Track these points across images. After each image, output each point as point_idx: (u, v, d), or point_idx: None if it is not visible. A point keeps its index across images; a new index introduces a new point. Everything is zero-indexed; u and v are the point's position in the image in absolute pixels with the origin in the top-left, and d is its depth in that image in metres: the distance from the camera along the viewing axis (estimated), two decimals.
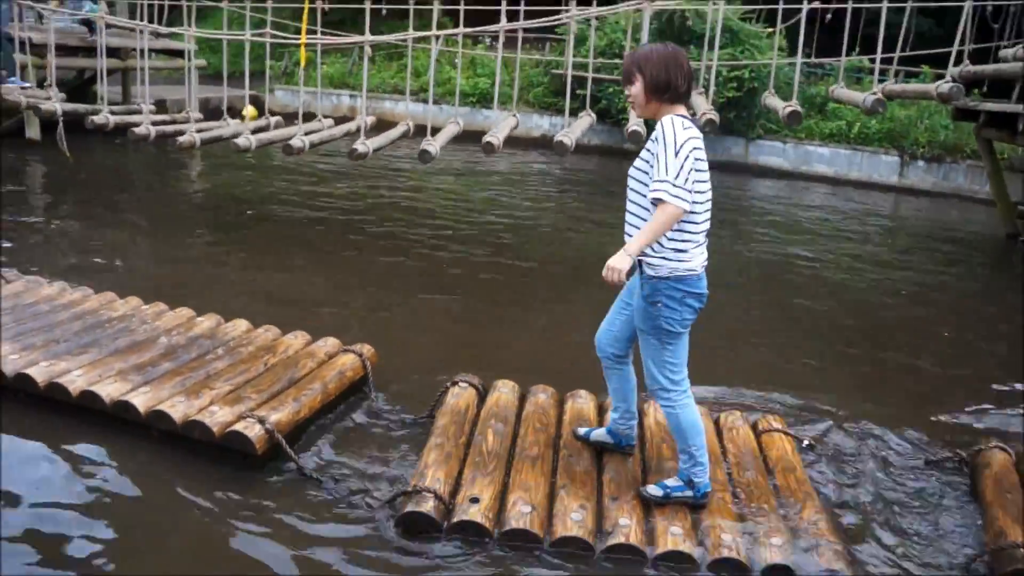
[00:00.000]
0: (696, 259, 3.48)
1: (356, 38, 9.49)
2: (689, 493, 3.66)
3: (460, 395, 4.53)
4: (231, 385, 4.39)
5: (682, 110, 3.48)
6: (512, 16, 8.18)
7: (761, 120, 16.23)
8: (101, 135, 9.68)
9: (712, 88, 8.49)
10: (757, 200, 13.74)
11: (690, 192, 3.30)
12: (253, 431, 3.89)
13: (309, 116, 9.73)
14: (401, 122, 9.38)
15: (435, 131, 8.51)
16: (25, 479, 3.77)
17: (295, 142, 8.40)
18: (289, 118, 10.50)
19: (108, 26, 10.52)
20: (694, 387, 3.72)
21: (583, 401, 4.59)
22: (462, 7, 8.18)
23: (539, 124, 17.32)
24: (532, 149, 16.31)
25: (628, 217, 3.58)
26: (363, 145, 8.30)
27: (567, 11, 8.15)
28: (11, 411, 4.28)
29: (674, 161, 3.27)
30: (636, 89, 3.48)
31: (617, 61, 14.25)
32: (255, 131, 9.22)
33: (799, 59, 8.02)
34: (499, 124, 8.60)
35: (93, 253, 7.68)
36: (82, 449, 4.04)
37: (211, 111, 11.92)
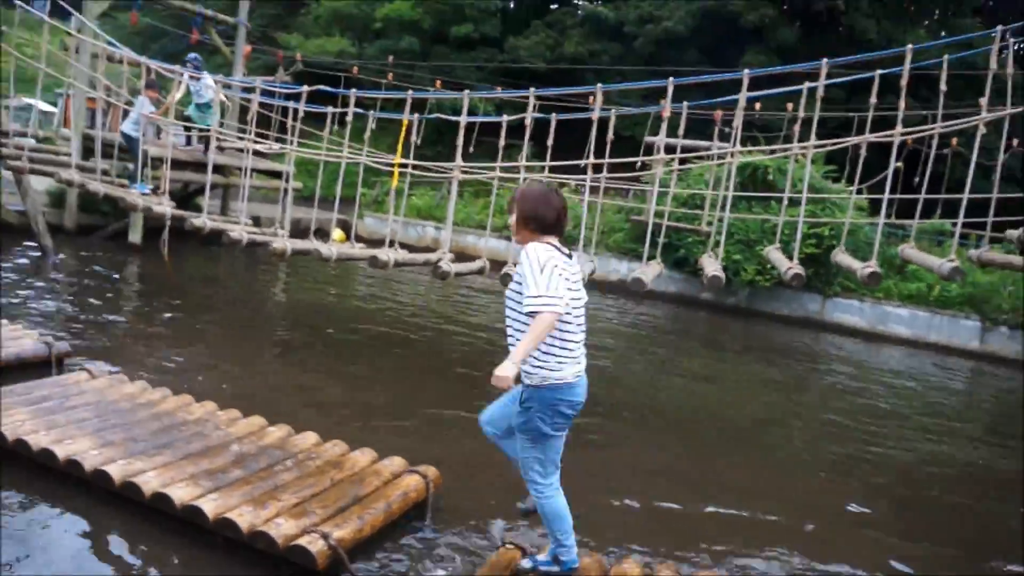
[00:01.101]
0: (568, 369, 3.88)
1: (446, 165, 9.91)
2: (556, 568, 4.19)
3: (504, 555, 4.35)
4: (297, 498, 4.46)
5: (550, 240, 3.95)
6: (599, 166, 8.48)
7: (839, 277, 16.19)
8: (199, 244, 10.16)
9: (796, 244, 8.55)
10: (833, 362, 13.56)
11: (560, 298, 3.67)
12: (316, 546, 3.95)
13: (398, 243, 10.08)
14: (480, 258, 9.65)
15: (516, 264, 8.75)
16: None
17: (381, 255, 8.75)
18: (375, 244, 10.90)
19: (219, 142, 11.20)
20: None
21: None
22: (549, 145, 8.51)
23: (617, 268, 17.54)
24: (608, 293, 16.50)
25: (508, 332, 3.96)
26: (447, 264, 8.62)
27: (656, 158, 8.37)
28: (93, 504, 4.47)
29: (540, 277, 3.69)
30: (512, 219, 4.03)
31: (698, 211, 14.56)
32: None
33: (881, 219, 8.03)
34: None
35: (175, 354, 7.99)
36: (149, 550, 4.18)
37: (301, 231, 12.47)
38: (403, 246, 10.15)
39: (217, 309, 10.84)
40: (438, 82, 18.00)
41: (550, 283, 3.67)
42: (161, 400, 5.89)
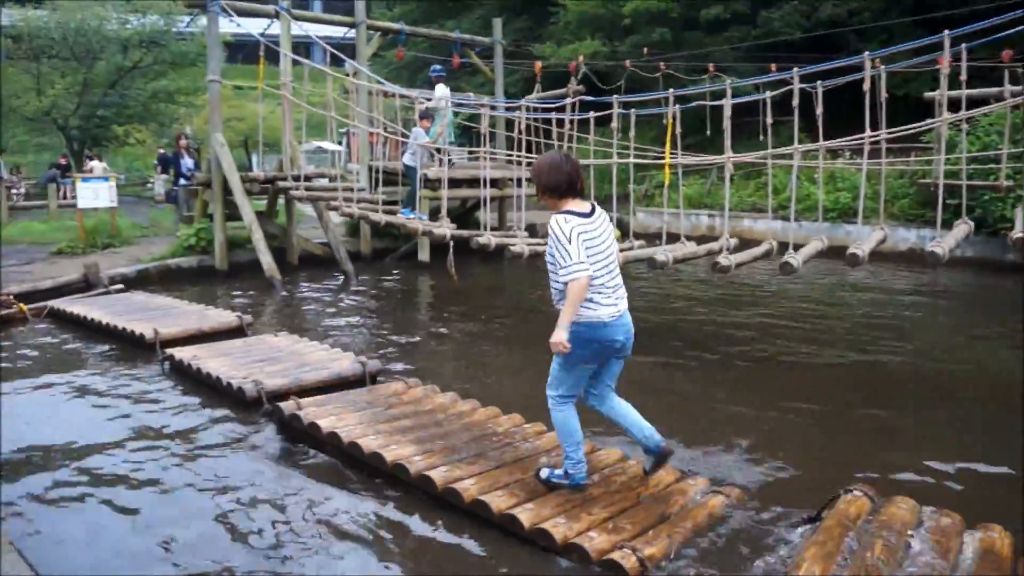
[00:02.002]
0: (603, 310, 4.47)
1: (717, 157, 9.79)
2: (565, 482, 4.73)
3: (852, 502, 4.42)
4: (607, 512, 4.54)
5: (570, 203, 4.51)
6: (875, 126, 8.06)
7: None
8: (481, 258, 10.69)
9: None
10: None
11: (587, 262, 4.32)
12: (629, 561, 4.01)
13: (670, 237, 10.08)
14: (764, 241, 9.43)
15: (796, 248, 8.52)
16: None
17: (659, 256, 8.79)
18: (650, 238, 10.99)
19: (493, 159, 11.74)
20: None
21: (994, 535, 4.18)
22: (820, 121, 8.19)
23: (905, 237, 16.37)
24: (900, 264, 15.49)
25: (552, 293, 4.63)
26: (726, 259, 8.51)
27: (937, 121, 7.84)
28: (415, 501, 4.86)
29: (569, 247, 4.32)
30: (537, 190, 4.63)
31: (992, 166, 13.34)
32: (620, 250, 9.75)
33: None
34: (866, 238, 8.42)
35: (470, 365, 8.46)
36: (466, 548, 4.43)
37: None
38: (678, 237, 10.13)
39: (506, 319, 11.31)
40: (711, 67, 17.68)
41: (578, 251, 4.31)
42: (471, 411, 6.21)
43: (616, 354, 4.66)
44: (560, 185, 4.50)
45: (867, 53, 8.22)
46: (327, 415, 5.90)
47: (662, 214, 11.76)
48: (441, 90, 14.38)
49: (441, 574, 4.25)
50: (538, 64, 16.58)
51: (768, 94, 9.13)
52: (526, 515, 4.42)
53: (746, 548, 4.45)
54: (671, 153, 9.71)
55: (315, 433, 5.70)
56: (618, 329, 4.51)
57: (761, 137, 9.20)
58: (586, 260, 4.31)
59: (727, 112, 8.78)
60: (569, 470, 4.72)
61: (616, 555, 4.06)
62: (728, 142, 8.83)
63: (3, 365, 8.40)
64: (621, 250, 9.76)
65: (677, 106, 9.28)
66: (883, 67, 8.29)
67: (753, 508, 4.86)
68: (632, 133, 9.73)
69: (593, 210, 4.54)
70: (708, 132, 9.69)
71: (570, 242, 4.31)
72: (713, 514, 4.69)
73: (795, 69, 8.49)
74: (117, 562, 4.30)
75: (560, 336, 4.31)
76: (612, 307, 4.48)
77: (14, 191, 25.87)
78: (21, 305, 10.41)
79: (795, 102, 8.38)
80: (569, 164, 4.56)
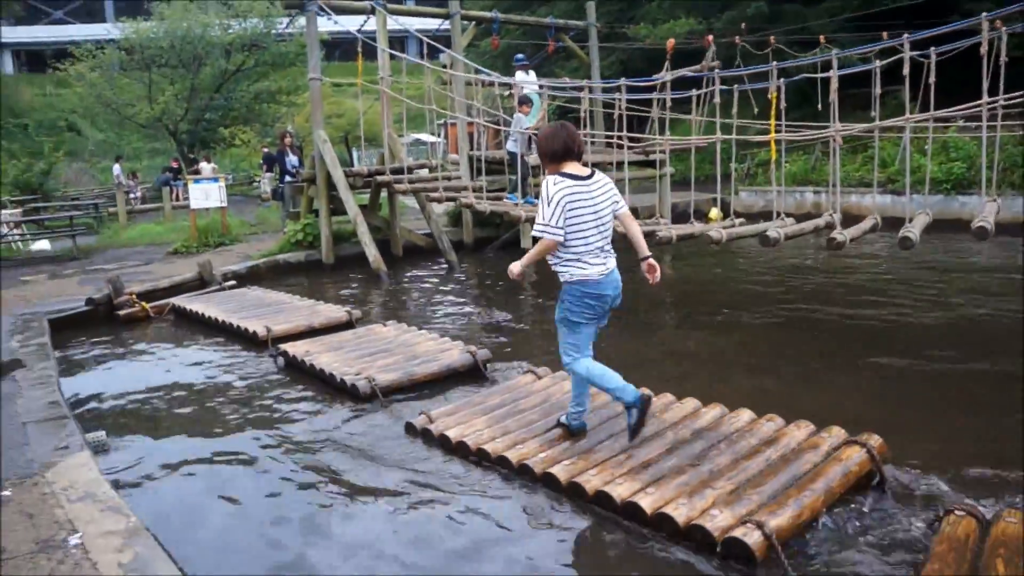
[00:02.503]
0: (592, 269, 4.92)
1: (823, 132, 9.52)
2: (571, 423, 5.36)
3: (957, 524, 4.02)
4: (732, 484, 4.43)
5: (567, 167, 4.90)
6: (993, 91, 7.72)
7: None
8: None
9: None
10: None
11: (561, 228, 4.79)
12: (752, 538, 3.88)
13: (774, 214, 9.86)
14: (869, 216, 9.13)
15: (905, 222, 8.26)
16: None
17: (771, 233, 8.60)
18: (753, 217, 10.77)
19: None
20: None
21: None
22: (932, 91, 7.87)
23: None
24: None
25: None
26: (840, 235, 8.29)
27: None
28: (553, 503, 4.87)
29: (547, 209, 4.81)
30: (540, 160, 5.10)
31: None
32: (725, 228, 9.59)
33: None
34: (985, 209, 8.09)
35: None
36: (596, 545, 4.40)
37: (678, 215, 12.65)
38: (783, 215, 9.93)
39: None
40: (822, 38, 17.04)
41: (553, 215, 4.78)
42: (597, 394, 6.07)
43: (607, 308, 5.09)
44: (557, 150, 4.91)
45: (984, 14, 7.85)
46: (456, 424, 5.86)
47: (765, 193, 11.51)
48: (524, 77, 14.42)
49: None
50: (671, 42, 16.10)
51: (877, 63, 8.82)
52: (648, 500, 4.36)
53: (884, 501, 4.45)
54: (775, 127, 9.48)
55: (446, 443, 5.70)
56: (607, 285, 5.00)
57: (873, 112, 8.89)
58: (561, 228, 4.80)
59: (834, 84, 8.52)
60: (574, 419, 5.39)
61: (739, 532, 3.94)
62: (835, 115, 8.57)
63: (129, 360, 8.82)
64: (725, 228, 9.63)
65: (781, 79, 9.07)
66: (1004, 28, 7.92)
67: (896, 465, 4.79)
68: (735, 111, 9.54)
69: (592, 175, 4.94)
70: (819, 106, 9.37)
71: (549, 205, 4.81)
72: (849, 469, 4.53)
73: (905, 36, 8.18)
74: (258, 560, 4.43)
75: (515, 268, 5.20)
76: (601, 266, 4.96)
77: (131, 195, 26.98)
78: (143, 304, 10.87)
79: (906, 70, 8.08)
80: (565, 131, 4.95)
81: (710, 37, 17.06)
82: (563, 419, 5.43)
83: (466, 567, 4.18)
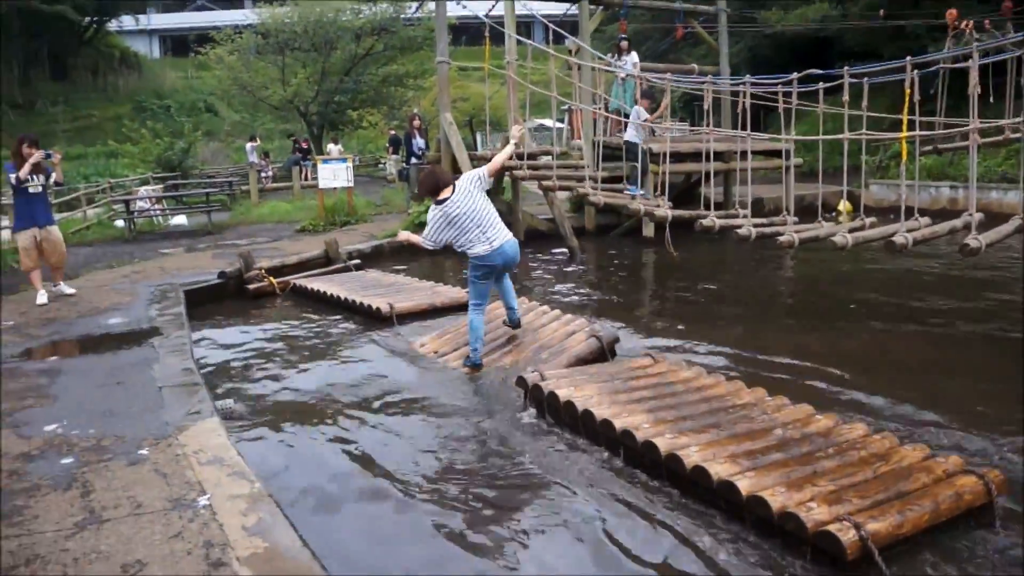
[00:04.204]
0: (478, 248, 6.89)
1: (959, 130, 9.07)
2: (469, 362, 7.21)
3: None
4: (834, 485, 4.30)
5: (440, 196, 6.93)
6: None
7: None
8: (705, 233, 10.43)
9: None
10: None
11: (432, 240, 6.98)
12: (847, 535, 3.76)
13: (906, 210, 9.43)
14: (1014, 216, 8.57)
15: None
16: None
17: (898, 238, 8.18)
18: (884, 212, 10.36)
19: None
20: None
21: None
22: None
23: None
24: None
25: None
26: (975, 240, 7.79)
27: None
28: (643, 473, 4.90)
29: (428, 226, 7.01)
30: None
31: None
32: (852, 231, 9.23)
33: None
34: None
35: (699, 339, 8.28)
36: (685, 521, 4.43)
37: (805, 207, 12.29)
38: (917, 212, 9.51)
39: (732, 294, 11.04)
40: (986, 22, 15.34)
41: (430, 230, 6.98)
42: (713, 385, 6.11)
43: (499, 270, 7.15)
44: (431, 189, 7.09)
45: None
46: (566, 386, 6.00)
47: (898, 186, 11.00)
48: (632, 58, 14.31)
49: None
50: (952, 12, 14.79)
51: (1020, 52, 8.35)
52: (745, 483, 4.30)
53: (1002, 534, 4.21)
54: (908, 121, 9.05)
55: (553, 401, 5.87)
56: (494, 256, 6.93)
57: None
58: (432, 239, 6.98)
59: (973, 79, 8.00)
60: (471, 355, 7.21)
61: (834, 527, 3.81)
62: (974, 111, 8.09)
63: (257, 330, 9.17)
64: (852, 230, 9.25)
65: (915, 71, 8.62)
66: None
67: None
68: (865, 104, 9.16)
69: (453, 192, 6.90)
70: (950, 99, 8.89)
71: (428, 223, 7.01)
72: (961, 496, 4.28)
73: None
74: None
75: (400, 236, 7.95)
76: (486, 245, 6.89)
77: (263, 174, 27.97)
78: (271, 279, 11.27)
79: None
80: (432, 176, 7.21)
81: (953, 12, 15.14)
82: (465, 362, 7.27)
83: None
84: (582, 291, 11.12)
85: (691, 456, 4.66)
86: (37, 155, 9.47)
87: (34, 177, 9.52)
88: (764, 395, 5.84)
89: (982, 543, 4.16)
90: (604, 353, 7.39)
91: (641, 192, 12.10)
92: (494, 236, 6.91)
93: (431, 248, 7.07)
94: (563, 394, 5.79)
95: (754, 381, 6.22)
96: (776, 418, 5.38)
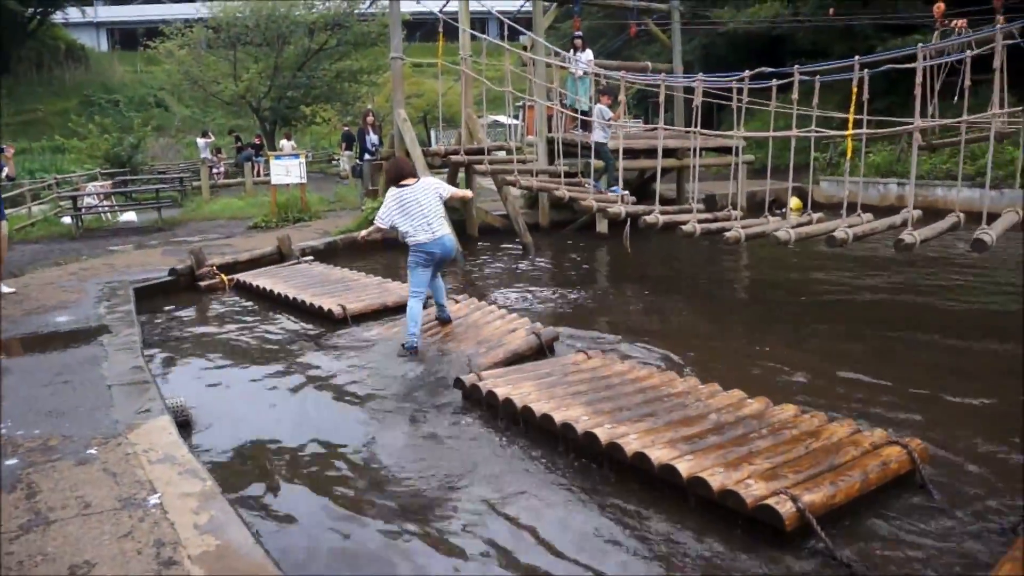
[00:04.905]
0: (420, 235, 7.44)
1: (903, 126, 9.25)
2: (406, 344, 7.51)
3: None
4: (770, 463, 4.51)
5: (402, 183, 7.61)
6: None
7: None
8: (658, 230, 10.52)
9: None
10: None
11: (386, 218, 7.55)
12: (784, 507, 3.97)
13: (855, 206, 9.61)
14: (950, 214, 8.80)
15: (991, 219, 7.97)
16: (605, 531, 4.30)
17: (839, 233, 8.40)
18: (834, 208, 10.51)
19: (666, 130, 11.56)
20: None
21: None
22: None
23: None
24: None
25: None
26: (910, 236, 8.02)
27: None
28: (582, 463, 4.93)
29: (383, 207, 7.64)
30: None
31: None
32: (796, 226, 9.40)
33: None
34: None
35: (646, 334, 8.39)
36: (628, 506, 4.55)
37: (757, 203, 12.46)
38: (864, 208, 9.69)
39: (680, 289, 11.18)
40: (959, 23, 15.20)
41: (386, 210, 7.57)
42: (647, 376, 6.28)
43: (437, 260, 7.60)
44: (392, 178, 7.79)
45: None
46: (504, 384, 6.08)
47: (847, 183, 11.19)
48: (586, 55, 14.41)
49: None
50: (940, 6, 14.90)
51: (969, 54, 8.54)
52: (684, 465, 4.46)
53: (926, 502, 4.43)
54: (855, 120, 9.21)
55: (492, 400, 5.93)
56: (433, 245, 7.47)
57: (955, 100, 8.60)
58: (386, 217, 7.53)
59: (918, 79, 8.19)
60: (409, 339, 7.51)
61: (772, 500, 4.01)
62: (917, 110, 8.27)
63: (208, 329, 9.05)
64: (798, 225, 9.44)
65: (865, 71, 8.77)
66: None
67: (941, 465, 4.78)
68: (815, 102, 9.29)
69: (417, 182, 7.63)
70: (895, 97, 9.07)
71: (385, 204, 7.64)
72: (887, 464, 4.55)
73: (999, 26, 7.90)
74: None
75: (364, 234, 8.73)
76: (427, 234, 7.44)
77: (215, 170, 27.62)
78: (223, 276, 11.15)
79: (996, 63, 7.80)
80: (395, 165, 8.07)
81: (939, 7, 14.94)
82: (404, 344, 7.57)
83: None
84: (533, 287, 11.13)
85: (631, 444, 4.81)
86: None
87: None
88: (697, 383, 6.05)
89: (908, 507, 4.43)
90: (543, 349, 7.55)
91: (617, 190, 12.05)
92: (437, 228, 7.52)
93: (384, 227, 7.63)
94: (501, 392, 5.87)
95: (702, 374, 6.37)
96: (710, 404, 5.58)
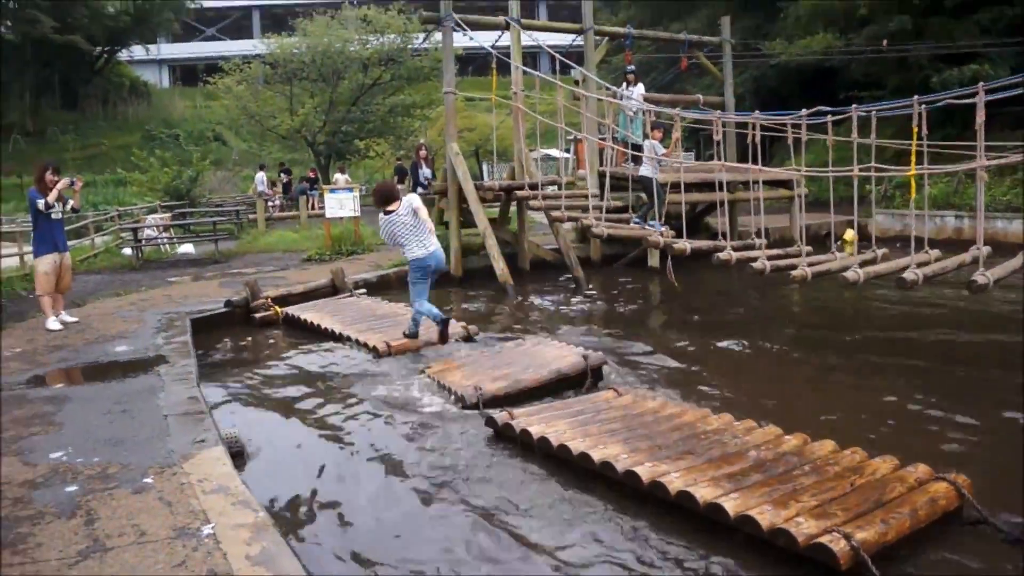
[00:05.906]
0: (416, 251, 8.48)
1: (966, 163, 9.08)
2: (409, 328, 9.01)
3: None
4: (817, 500, 4.45)
5: (390, 207, 8.51)
6: None
7: None
8: (707, 263, 10.43)
9: None
10: None
11: (388, 240, 8.75)
12: (838, 545, 3.90)
13: (914, 240, 9.44)
14: (1022, 251, 8.62)
15: None
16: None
17: (908, 275, 8.26)
18: (890, 242, 10.34)
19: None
20: None
21: None
22: None
23: None
24: None
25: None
26: (983, 277, 7.88)
27: None
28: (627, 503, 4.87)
29: (381, 230, 8.74)
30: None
31: None
32: (863, 264, 9.27)
33: None
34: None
35: (690, 368, 8.36)
36: (673, 545, 4.48)
37: (810, 237, 12.28)
38: (920, 241, 9.51)
39: (729, 323, 11.02)
40: None
41: (383, 231, 8.61)
42: (681, 413, 6.28)
43: (432, 270, 8.63)
44: (378, 204, 8.76)
45: None
46: (538, 422, 6.08)
47: (903, 216, 11.04)
48: (639, 91, 14.41)
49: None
50: None
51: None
52: (731, 504, 4.42)
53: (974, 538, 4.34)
54: (917, 154, 9.06)
55: (526, 439, 5.94)
56: (428, 259, 8.48)
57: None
58: (388, 240, 8.68)
59: (980, 117, 8.00)
60: (410, 327, 8.96)
61: (825, 539, 3.95)
62: (981, 148, 8.10)
63: (263, 360, 9.17)
64: (864, 263, 9.29)
65: (923, 107, 8.64)
66: None
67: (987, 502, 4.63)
68: (873, 138, 9.17)
69: (399, 206, 8.44)
70: (951, 129, 8.92)
71: (382, 228, 8.62)
72: (936, 501, 4.47)
73: None
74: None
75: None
76: (422, 249, 8.46)
77: (270, 203, 28.07)
78: (276, 308, 11.30)
79: None
80: (378, 192, 8.91)
81: None
82: (405, 331, 8.97)
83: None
84: (583, 323, 11.10)
85: (674, 482, 4.77)
86: (63, 183, 9.67)
87: (56, 203, 9.67)
88: (732, 420, 6.00)
89: (956, 545, 4.36)
90: (586, 373, 7.57)
91: (657, 225, 11.98)
92: (428, 243, 8.54)
93: (390, 244, 8.82)
94: (536, 431, 5.85)
95: (746, 411, 6.30)
96: (748, 440, 5.53)
